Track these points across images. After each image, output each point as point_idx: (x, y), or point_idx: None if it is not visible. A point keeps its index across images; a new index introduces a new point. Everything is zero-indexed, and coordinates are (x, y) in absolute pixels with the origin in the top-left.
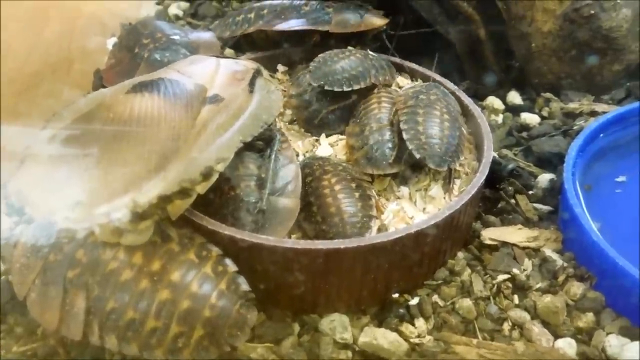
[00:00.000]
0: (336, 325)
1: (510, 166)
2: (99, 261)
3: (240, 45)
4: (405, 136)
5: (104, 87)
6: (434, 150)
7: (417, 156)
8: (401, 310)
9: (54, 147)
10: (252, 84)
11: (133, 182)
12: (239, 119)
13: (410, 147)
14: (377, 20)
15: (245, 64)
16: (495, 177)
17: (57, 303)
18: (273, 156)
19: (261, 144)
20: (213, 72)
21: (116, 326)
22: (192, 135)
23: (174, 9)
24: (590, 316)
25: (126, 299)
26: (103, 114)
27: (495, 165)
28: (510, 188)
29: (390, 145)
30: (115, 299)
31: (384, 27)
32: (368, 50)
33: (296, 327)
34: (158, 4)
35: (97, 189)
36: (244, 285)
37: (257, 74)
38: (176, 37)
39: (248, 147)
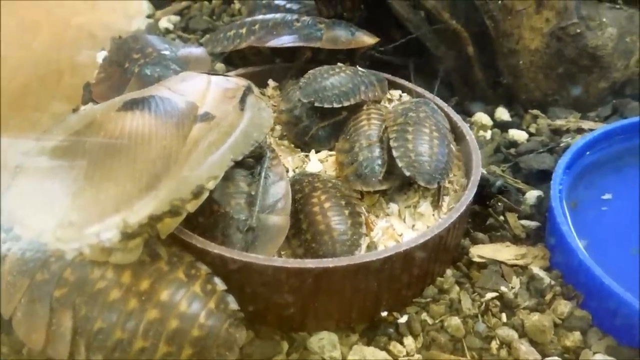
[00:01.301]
0: (325, 343)
1: (499, 183)
2: (87, 280)
3: (232, 59)
4: (395, 154)
5: (93, 101)
6: (424, 168)
7: (407, 174)
8: (390, 329)
9: (45, 164)
10: (242, 101)
11: (124, 201)
12: (230, 136)
13: (400, 164)
14: (367, 39)
15: (236, 81)
16: (485, 194)
17: (44, 323)
18: (263, 173)
19: (251, 161)
20: (204, 89)
21: (103, 346)
22: (184, 154)
23: (164, 23)
24: (577, 335)
25: (114, 318)
26: (94, 131)
27: (483, 182)
28: (499, 204)
29: (379, 162)
30: (103, 318)
31: (374, 45)
32: (358, 67)
33: (285, 346)
34: (149, 17)
35: (88, 207)
36: (233, 304)
37: (247, 91)
38: (167, 52)
39: (238, 164)
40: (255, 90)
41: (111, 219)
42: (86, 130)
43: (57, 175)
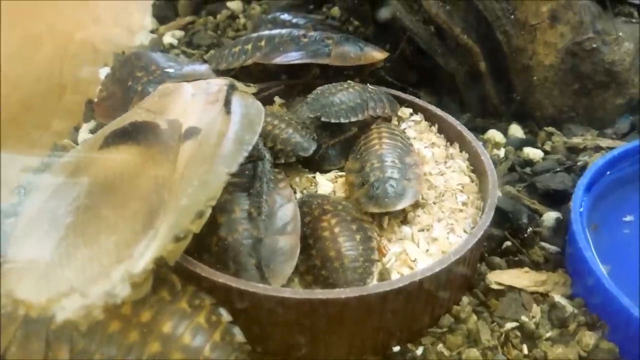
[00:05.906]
0: None
1: (526, 214)
2: None
3: (237, 76)
4: None
5: (95, 119)
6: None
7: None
8: None
9: (32, 230)
10: (227, 103)
11: (120, 251)
12: (220, 147)
13: None
14: (377, 54)
15: (216, 82)
16: (517, 229)
17: (39, 357)
18: (265, 179)
19: (250, 167)
20: (184, 101)
21: None
22: (176, 182)
23: (168, 38)
24: None
25: (113, 352)
26: (79, 180)
27: (505, 211)
28: (535, 235)
29: (392, 182)
30: (102, 352)
31: (384, 61)
32: (368, 84)
33: None
34: (152, 32)
35: (87, 266)
36: (239, 336)
37: (230, 89)
38: (171, 70)
39: (237, 177)
40: (239, 84)
41: (113, 272)
42: (71, 182)
43: (49, 238)
